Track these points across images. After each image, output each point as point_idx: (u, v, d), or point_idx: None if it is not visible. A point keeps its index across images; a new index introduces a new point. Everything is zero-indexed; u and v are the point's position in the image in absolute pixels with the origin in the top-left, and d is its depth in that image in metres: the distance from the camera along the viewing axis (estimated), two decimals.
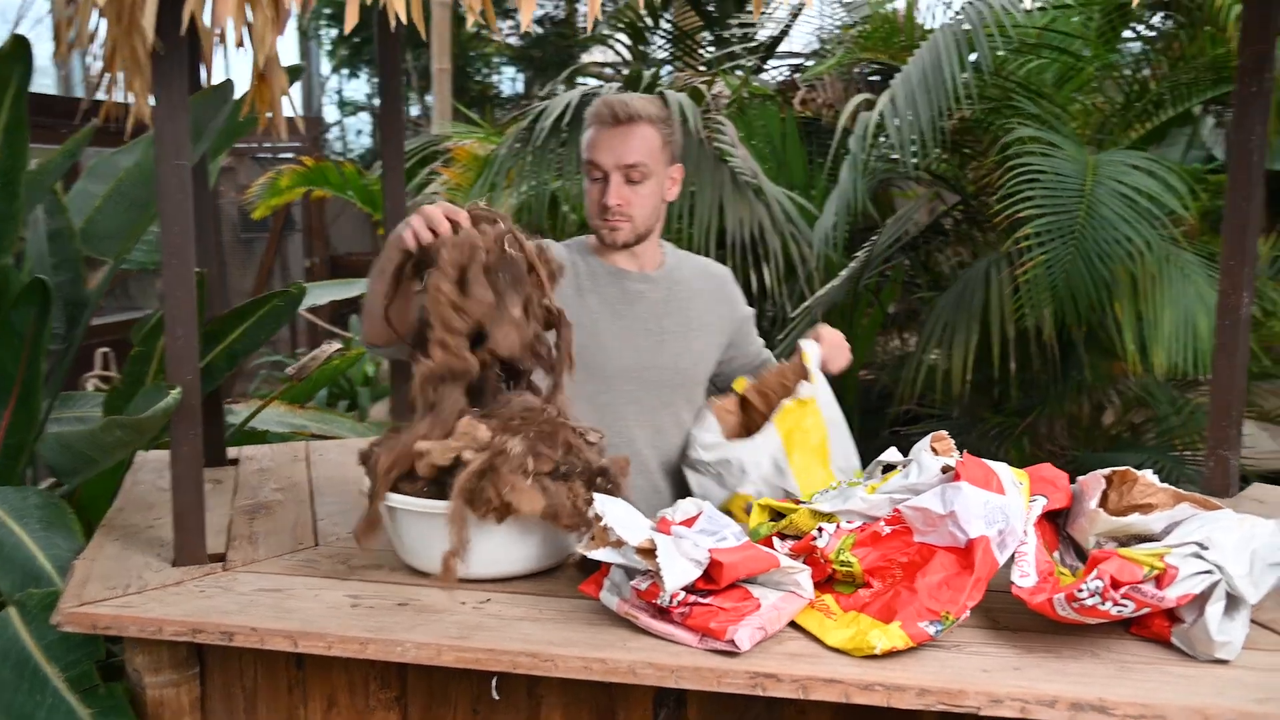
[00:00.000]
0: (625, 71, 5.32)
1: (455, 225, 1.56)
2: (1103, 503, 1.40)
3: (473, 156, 4.53)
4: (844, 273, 3.39)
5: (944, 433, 1.50)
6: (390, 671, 1.47)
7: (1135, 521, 1.37)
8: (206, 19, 1.42)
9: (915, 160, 3.19)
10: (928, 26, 4.04)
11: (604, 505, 1.42)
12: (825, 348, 1.89)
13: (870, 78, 4.44)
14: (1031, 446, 3.52)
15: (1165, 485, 1.40)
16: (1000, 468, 1.37)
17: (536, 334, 1.59)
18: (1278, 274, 3.61)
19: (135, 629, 1.41)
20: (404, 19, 1.29)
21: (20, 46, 1.92)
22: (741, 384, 1.92)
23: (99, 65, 1.88)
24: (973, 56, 3.12)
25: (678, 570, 1.28)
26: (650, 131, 1.85)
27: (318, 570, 1.59)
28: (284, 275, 10.02)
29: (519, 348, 1.56)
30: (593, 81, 6.08)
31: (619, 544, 1.36)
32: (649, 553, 1.31)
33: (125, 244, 2.12)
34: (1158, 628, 1.28)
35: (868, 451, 4.02)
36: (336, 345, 2.68)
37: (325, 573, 1.58)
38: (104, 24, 1.64)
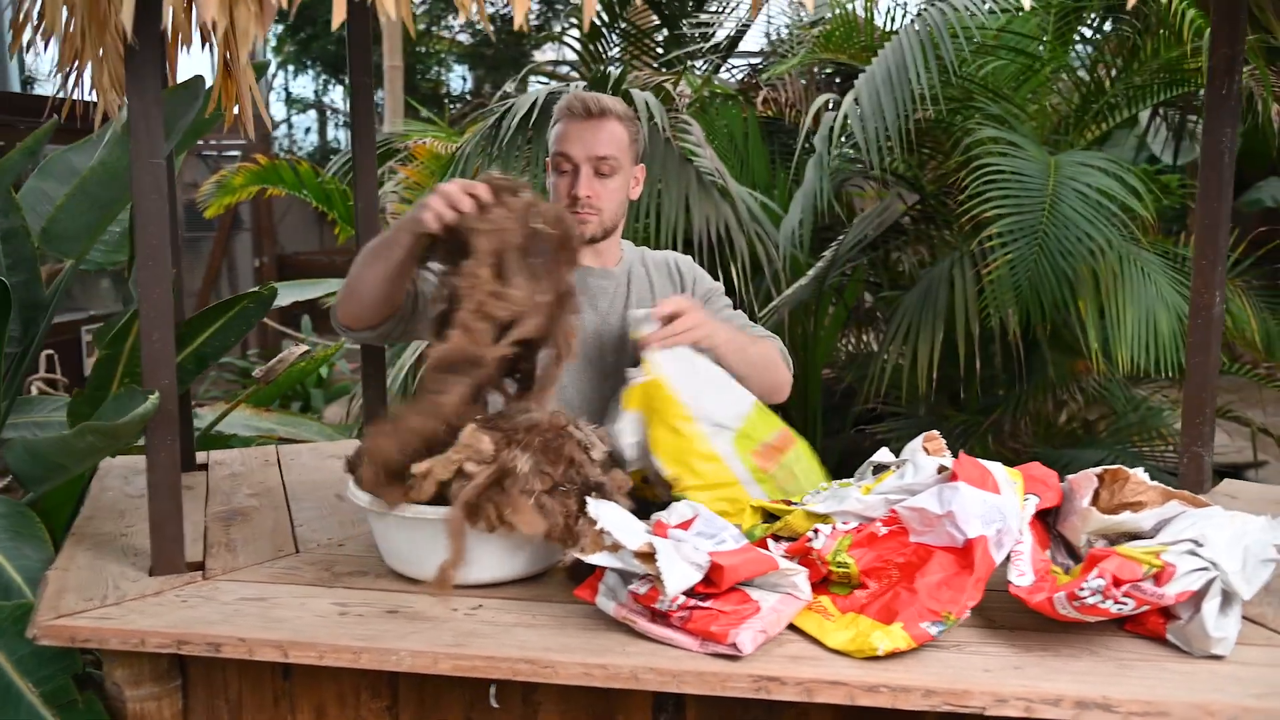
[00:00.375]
0: (579, 71, 5.30)
1: (477, 201, 1.53)
2: (1094, 501, 1.41)
3: (432, 155, 4.48)
4: (811, 272, 3.40)
5: (935, 433, 1.51)
6: (381, 681, 1.44)
7: (1126, 519, 1.38)
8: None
9: (881, 160, 3.21)
10: (886, 28, 4.07)
11: (598, 509, 1.40)
12: (669, 310, 1.71)
13: (831, 78, 4.47)
14: (995, 444, 3.56)
15: (1155, 483, 1.42)
16: (995, 467, 1.38)
17: (556, 317, 1.56)
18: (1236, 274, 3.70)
19: (117, 641, 1.37)
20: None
21: None
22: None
23: (54, 59, 1.83)
24: (935, 58, 3.14)
25: (678, 574, 1.27)
26: (619, 128, 1.87)
27: (301, 578, 1.56)
28: (231, 275, 9.86)
29: (545, 334, 1.54)
30: (551, 82, 6.06)
31: (616, 548, 1.35)
32: (648, 557, 1.30)
33: (87, 244, 2.06)
34: (1153, 625, 1.30)
35: (831, 449, 4.05)
36: (303, 348, 2.64)
37: (309, 580, 1.55)
38: (67, 18, 1.59)
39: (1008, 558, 1.34)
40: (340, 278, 1.98)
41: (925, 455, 1.44)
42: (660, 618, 1.32)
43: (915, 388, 3.47)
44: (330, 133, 13.15)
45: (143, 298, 1.50)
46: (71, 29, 1.59)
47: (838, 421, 4.26)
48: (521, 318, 1.51)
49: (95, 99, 1.80)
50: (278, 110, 12.27)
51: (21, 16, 1.75)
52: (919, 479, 1.39)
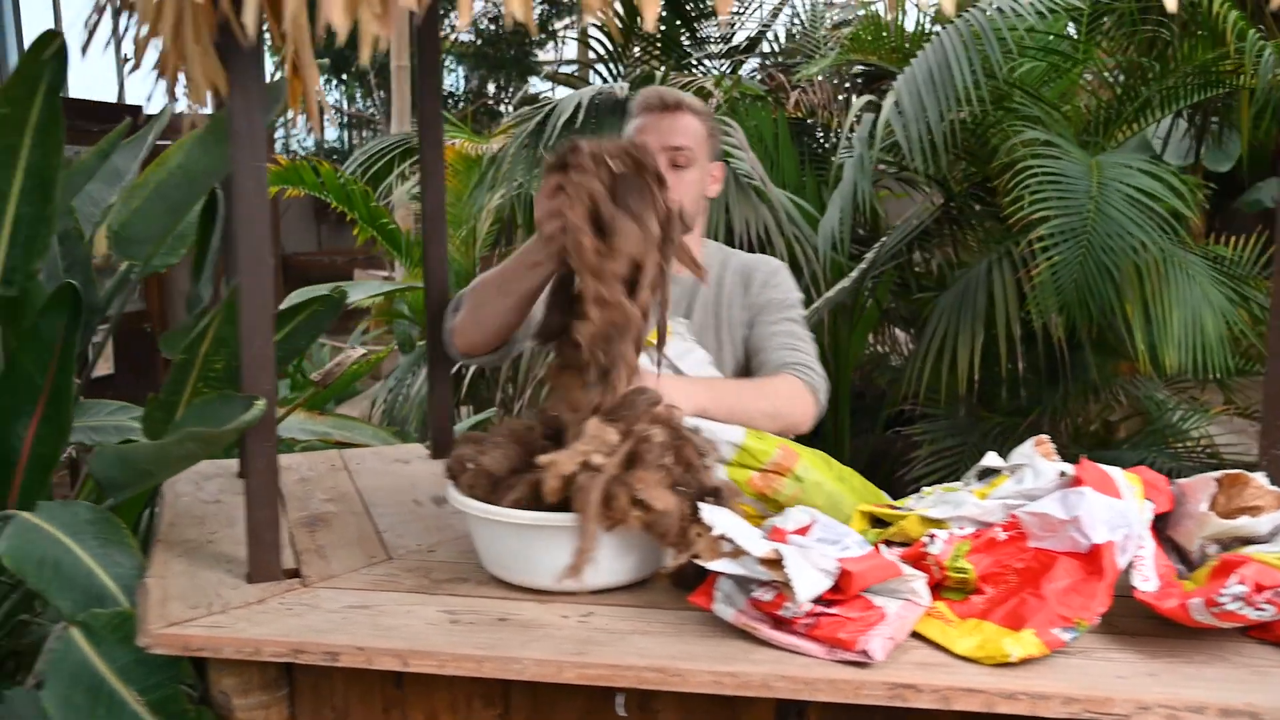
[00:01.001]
0: (598, 72, 5.29)
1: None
2: (1211, 505, 1.41)
3: (461, 156, 4.46)
4: (854, 273, 3.40)
5: (1045, 436, 1.51)
6: (494, 689, 1.43)
7: (1244, 524, 1.38)
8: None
9: (924, 161, 3.21)
10: (915, 30, 4.07)
11: (713, 515, 1.39)
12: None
13: (857, 79, 4.47)
14: None
15: (1273, 488, 1.42)
16: (1115, 472, 1.37)
17: (671, 242, 1.53)
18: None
19: (231, 650, 1.36)
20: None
21: (52, 41, 1.84)
22: None
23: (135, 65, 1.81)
24: (979, 58, 3.14)
25: (808, 581, 1.26)
26: (695, 121, 1.88)
27: (400, 585, 1.54)
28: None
29: (668, 261, 1.52)
30: (553, 88, 6.04)
31: (737, 554, 1.34)
32: (774, 563, 1.29)
33: (155, 248, 2.05)
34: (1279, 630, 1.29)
35: (860, 450, 4.03)
36: (360, 350, 2.62)
37: (409, 587, 1.54)
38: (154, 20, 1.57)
39: (1130, 563, 1.33)
40: (343, 278, 2.01)
41: (1043, 460, 1.43)
42: (783, 624, 1.31)
43: (953, 389, 3.48)
44: (331, 133, 13.10)
45: (245, 304, 1.48)
46: (156, 32, 1.58)
47: (867, 422, 4.27)
48: (643, 261, 1.49)
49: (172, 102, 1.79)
50: None
51: (100, 18, 1.74)
52: (1039, 484, 1.38)
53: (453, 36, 12.02)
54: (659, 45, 5.13)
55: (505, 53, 11.32)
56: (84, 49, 1.84)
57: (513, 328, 1.74)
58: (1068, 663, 1.27)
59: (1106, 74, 3.86)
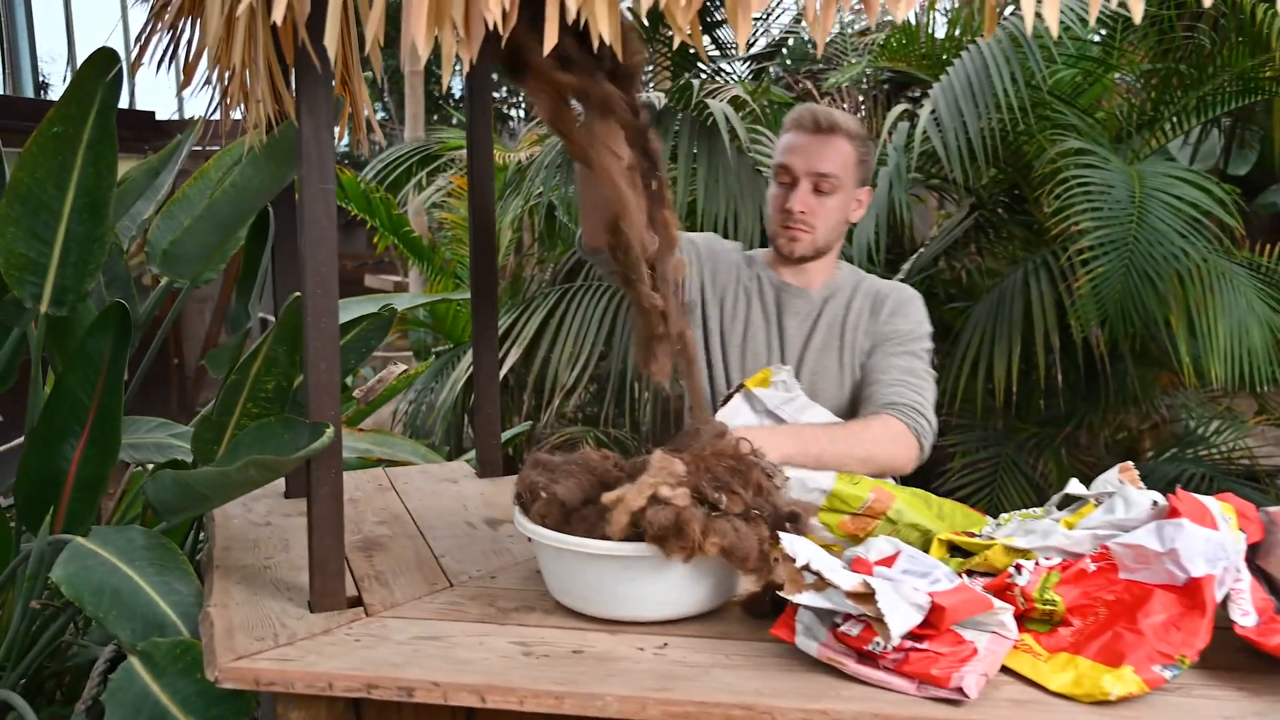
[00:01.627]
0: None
1: None
2: None
3: None
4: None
5: (1129, 463, 1.47)
6: None
7: None
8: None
9: (964, 170, 3.18)
10: (940, 36, 4.03)
11: (794, 545, 1.36)
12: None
13: (885, 85, 4.43)
14: (1069, 458, 3.53)
15: None
16: (1209, 502, 1.34)
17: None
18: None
19: (302, 685, 1.33)
20: (609, 39, 1.22)
21: (107, 59, 1.81)
22: None
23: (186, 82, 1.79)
24: (1019, 66, 3.10)
25: (901, 615, 1.23)
26: (847, 146, 1.84)
27: (467, 614, 1.51)
28: None
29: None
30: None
31: (822, 586, 1.31)
32: (865, 597, 1.26)
33: (204, 266, 2.02)
34: None
35: None
36: (401, 366, 2.60)
37: (476, 617, 1.51)
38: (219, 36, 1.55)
39: (1226, 596, 1.30)
40: (354, 283, 2.01)
41: (1133, 489, 1.40)
42: (869, 659, 1.28)
43: (987, 400, 3.44)
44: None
45: (310, 328, 1.45)
46: (220, 51, 1.55)
47: None
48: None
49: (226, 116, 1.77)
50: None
51: (158, 33, 1.71)
52: (1131, 514, 1.35)
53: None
54: (681, 53, 5.10)
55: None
56: (134, 65, 1.81)
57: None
58: (1167, 700, 1.23)
59: (1139, 81, 3.82)
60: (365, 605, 1.54)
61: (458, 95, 12.88)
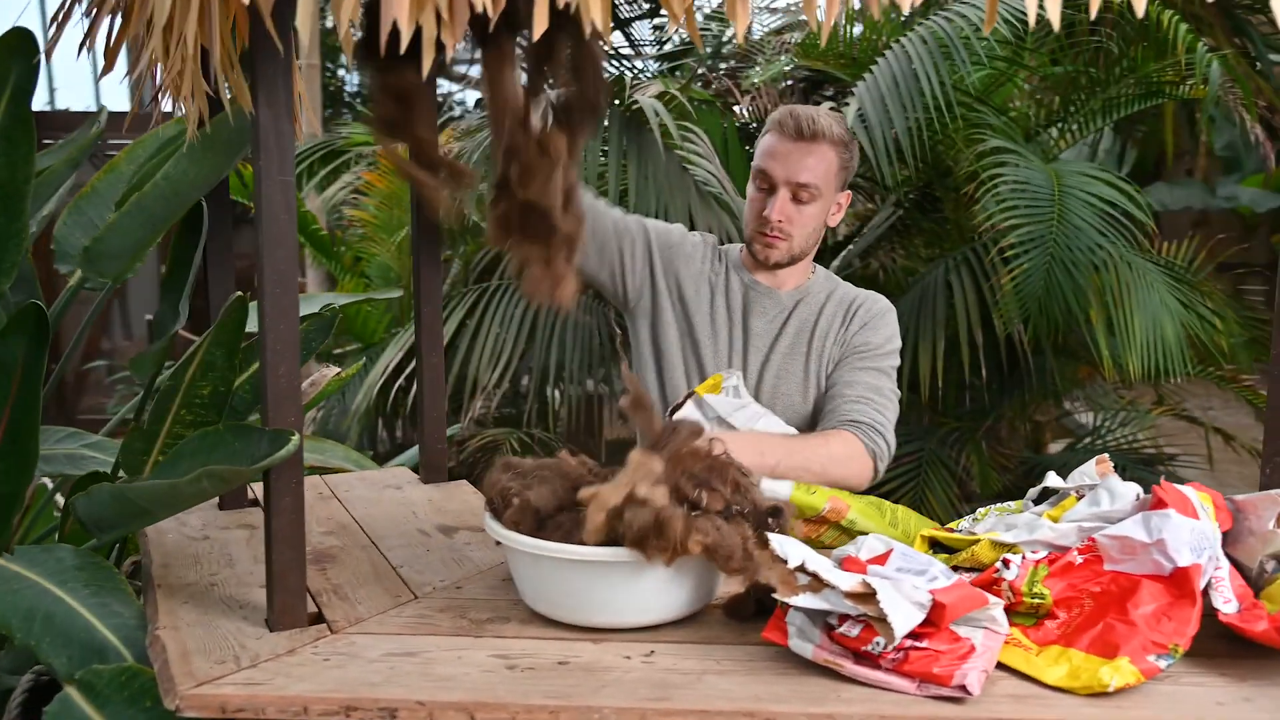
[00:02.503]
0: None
1: None
2: (1277, 522, 1.41)
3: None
4: None
5: (1105, 456, 1.49)
6: None
7: None
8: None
9: (892, 169, 3.21)
10: (864, 37, 4.08)
11: (785, 546, 1.33)
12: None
13: (800, 84, 4.47)
14: (989, 451, 3.61)
15: None
16: (1189, 491, 1.36)
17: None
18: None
19: (274, 710, 1.24)
20: (600, 25, 1.17)
21: (20, 40, 1.68)
22: None
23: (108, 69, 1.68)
24: (943, 66, 3.15)
25: (903, 614, 1.21)
26: (830, 153, 1.79)
27: (439, 628, 1.45)
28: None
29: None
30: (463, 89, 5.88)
31: (817, 587, 1.28)
32: (864, 597, 1.24)
33: (129, 264, 1.89)
34: None
35: None
36: (333, 369, 2.49)
37: (450, 630, 1.44)
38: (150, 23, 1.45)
39: (1208, 584, 1.32)
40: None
41: (1119, 481, 1.41)
42: (867, 660, 1.26)
43: (913, 395, 3.49)
44: None
45: (268, 328, 1.37)
46: (152, 36, 1.45)
47: None
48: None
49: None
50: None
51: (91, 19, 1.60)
52: (1117, 506, 1.36)
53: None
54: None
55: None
56: (49, 50, 1.70)
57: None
58: (1159, 690, 1.24)
59: (1048, 83, 3.93)
60: (328, 622, 1.46)
61: (350, 90, 12.59)
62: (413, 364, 4.03)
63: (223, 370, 1.78)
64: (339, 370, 2.44)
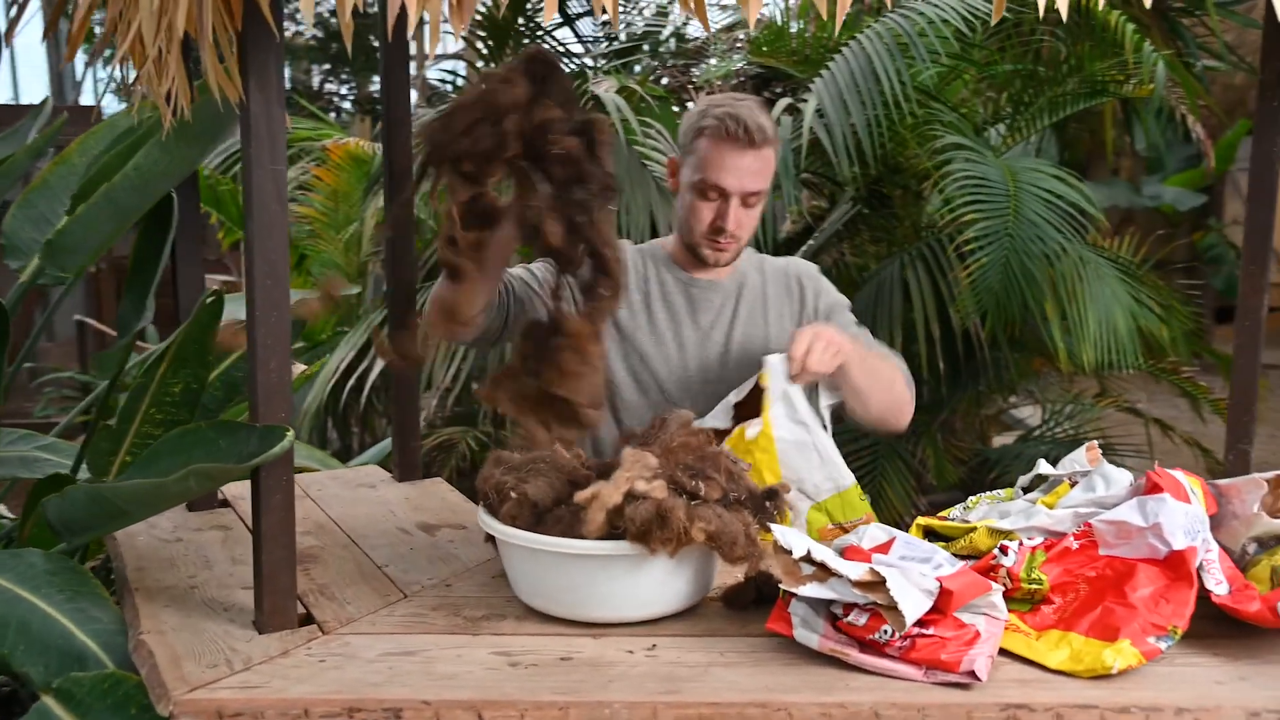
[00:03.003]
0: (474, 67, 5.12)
1: None
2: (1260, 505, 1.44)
3: (350, 156, 4.24)
4: None
5: (1095, 443, 1.51)
6: None
7: None
8: None
9: (851, 166, 3.23)
10: (813, 36, 4.10)
11: (788, 536, 1.33)
12: (796, 353, 1.64)
13: (752, 80, 4.48)
14: (944, 443, 3.65)
15: None
16: (1180, 476, 1.38)
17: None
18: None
19: (275, 713, 1.21)
20: (609, 11, 1.16)
21: None
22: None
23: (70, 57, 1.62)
24: (903, 62, 3.18)
25: (913, 602, 1.22)
26: (772, 153, 1.76)
27: (434, 626, 1.42)
28: None
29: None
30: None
31: (824, 577, 1.28)
32: (873, 585, 1.24)
33: (91, 258, 1.83)
34: None
35: None
36: (300, 366, 2.43)
37: (445, 628, 1.41)
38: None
39: (1200, 566, 1.34)
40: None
41: (1113, 467, 1.43)
42: (872, 648, 1.26)
43: None
44: None
45: (259, 321, 1.33)
46: (132, 23, 1.40)
47: None
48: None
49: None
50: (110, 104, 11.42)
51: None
52: (1112, 492, 1.38)
53: (295, 30, 11.52)
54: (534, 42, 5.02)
55: (355, 48, 10.88)
56: (8, 36, 1.64)
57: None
58: (1157, 671, 1.26)
59: (997, 79, 3.99)
60: (319, 623, 1.43)
61: (288, 84, 12.37)
62: (363, 364, 3.97)
63: (195, 367, 1.73)
64: (304, 368, 2.38)
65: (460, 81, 5.79)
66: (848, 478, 1.73)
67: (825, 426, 1.74)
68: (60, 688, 1.37)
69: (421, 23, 1.16)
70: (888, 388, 1.77)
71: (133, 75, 1.50)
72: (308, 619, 1.44)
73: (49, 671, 1.39)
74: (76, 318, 7.56)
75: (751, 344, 1.86)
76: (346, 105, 12.21)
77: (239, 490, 2.04)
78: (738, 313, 1.87)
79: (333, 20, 11.08)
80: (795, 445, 1.68)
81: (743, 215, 1.77)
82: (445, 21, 1.18)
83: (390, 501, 1.98)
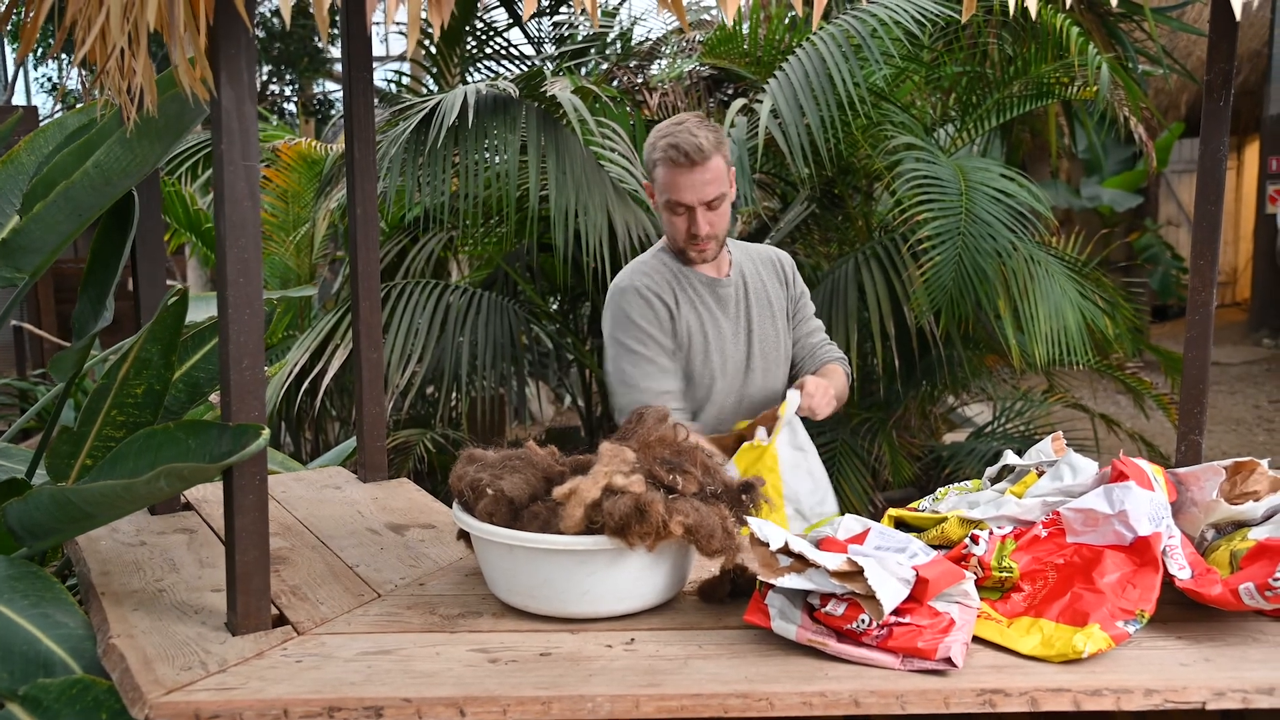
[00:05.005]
0: (426, 69, 5.09)
1: None
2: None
3: (301, 157, 4.19)
4: None
5: (1060, 434, 1.54)
6: None
7: (1246, 509, 1.46)
8: None
9: (809, 166, 3.26)
10: (763, 38, 4.14)
11: (765, 529, 1.35)
12: (807, 397, 1.97)
13: (704, 81, 4.51)
14: (899, 439, 3.70)
15: (1272, 473, 1.51)
16: (1144, 464, 1.42)
17: None
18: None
19: (253, 714, 1.19)
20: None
21: None
22: (741, 425, 2.05)
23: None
24: (856, 63, 3.22)
25: (891, 591, 1.24)
26: (719, 163, 1.96)
27: (411, 625, 1.41)
28: None
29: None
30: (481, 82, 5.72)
31: (801, 568, 1.30)
32: (851, 575, 1.26)
33: (49, 259, 1.79)
34: None
35: None
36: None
37: (421, 627, 1.41)
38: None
39: (1163, 552, 1.38)
40: (120, 288, 1.93)
41: (1079, 456, 1.47)
42: (849, 637, 1.28)
43: None
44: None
45: (232, 319, 1.31)
46: (94, 20, 1.37)
47: None
48: None
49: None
50: (37, 101, 11.13)
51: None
52: (1079, 480, 1.41)
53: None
54: (487, 44, 5.01)
55: (299, 50, 10.75)
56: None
57: None
58: (1125, 655, 1.30)
59: (946, 82, 4.05)
60: (293, 624, 1.41)
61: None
62: (317, 367, 3.92)
63: (158, 368, 1.70)
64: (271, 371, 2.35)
65: (406, 82, 5.75)
66: (832, 502, 2.03)
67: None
68: (27, 695, 1.34)
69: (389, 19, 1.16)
70: (843, 398, 2.10)
71: (93, 73, 1.47)
72: (281, 620, 1.43)
73: (14, 678, 1.36)
74: (14, 323, 7.39)
75: (764, 330, 2.10)
76: (290, 107, 12.04)
77: (203, 493, 2.01)
78: (748, 299, 2.09)
79: (275, 21, 10.93)
80: (792, 460, 1.98)
81: (711, 217, 1.99)
82: (400, 25, 1.18)
83: (357, 502, 1.96)
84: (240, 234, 1.31)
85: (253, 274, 1.32)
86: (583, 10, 4.95)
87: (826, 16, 3.46)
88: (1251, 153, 11.16)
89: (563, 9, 5.17)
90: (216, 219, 1.30)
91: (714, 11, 5.05)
